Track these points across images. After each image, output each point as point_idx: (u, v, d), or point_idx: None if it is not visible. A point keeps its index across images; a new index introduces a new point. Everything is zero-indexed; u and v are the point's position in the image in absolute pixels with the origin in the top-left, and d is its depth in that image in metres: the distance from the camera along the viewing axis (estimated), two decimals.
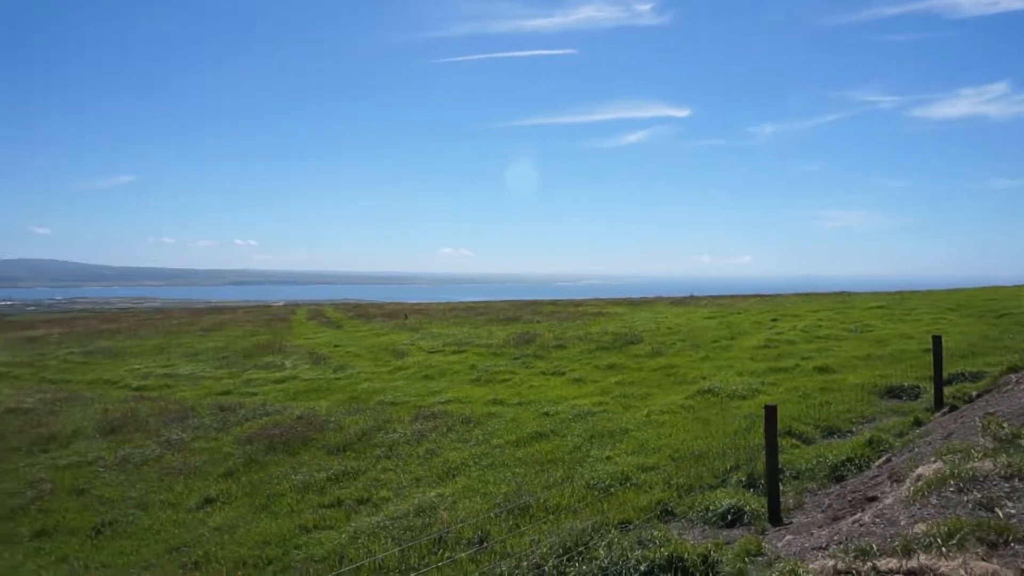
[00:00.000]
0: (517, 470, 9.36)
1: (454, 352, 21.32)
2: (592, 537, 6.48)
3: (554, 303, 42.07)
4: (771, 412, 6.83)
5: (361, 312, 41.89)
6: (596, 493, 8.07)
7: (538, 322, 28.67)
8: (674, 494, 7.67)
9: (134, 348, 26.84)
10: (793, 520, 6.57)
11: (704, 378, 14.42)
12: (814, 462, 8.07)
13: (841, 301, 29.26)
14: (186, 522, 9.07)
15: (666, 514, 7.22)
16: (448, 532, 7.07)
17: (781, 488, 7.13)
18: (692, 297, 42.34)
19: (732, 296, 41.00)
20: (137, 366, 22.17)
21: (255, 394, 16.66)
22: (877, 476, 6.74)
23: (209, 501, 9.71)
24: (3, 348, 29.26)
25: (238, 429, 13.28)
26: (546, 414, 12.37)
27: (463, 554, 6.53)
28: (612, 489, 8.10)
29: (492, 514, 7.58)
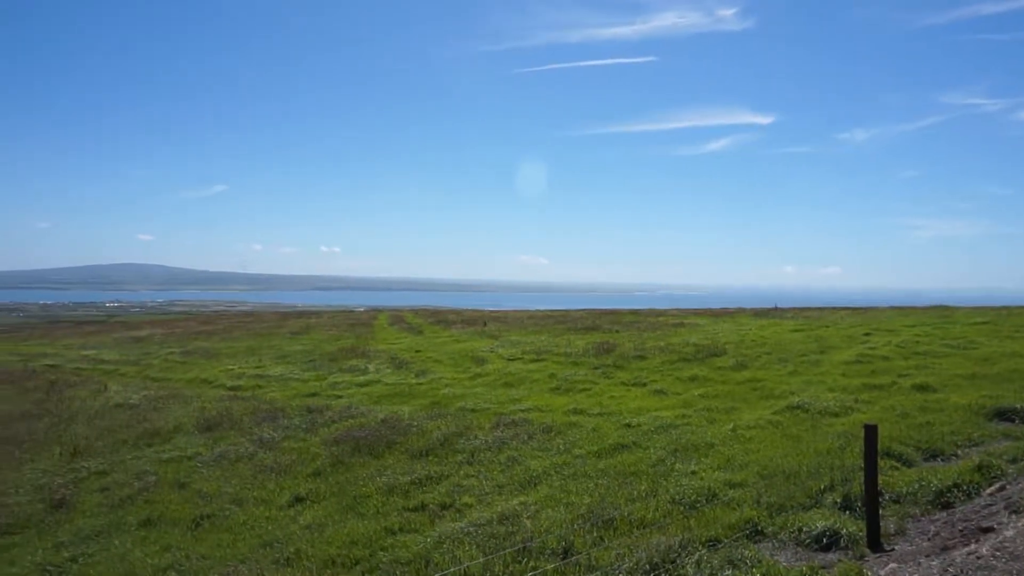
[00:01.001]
0: (599, 481, 9.27)
1: (533, 360, 21.36)
2: (680, 554, 6.35)
3: (633, 313, 41.58)
4: (871, 431, 6.53)
5: (440, 318, 42.56)
6: (682, 508, 7.90)
7: (617, 332, 28.39)
8: (764, 513, 7.43)
9: (228, 349, 28.15)
10: (895, 547, 6.24)
11: (792, 393, 13.92)
12: (916, 486, 7.65)
13: (940, 315, 27.68)
14: (278, 519, 9.40)
15: (756, 534, 6.99)
16: (532, 542, 7.07)
17: (881, 512, 6.79)
18: (776, 309, 40.98)
19: (819, 308, 39.44)
20: (231, 366, 23.22)
21: (341, 396, 17.16)
22: (991, 505, 6.32)
23: (299, 499, 10.04)
24: (112, 347, 31.27)
25: (325, 430, 13.71)
26: (628, 425, 12.22)
27: (548, 565, 6.51)
28: (698, 505, 7.92)
29: (576, 525, 7.53)
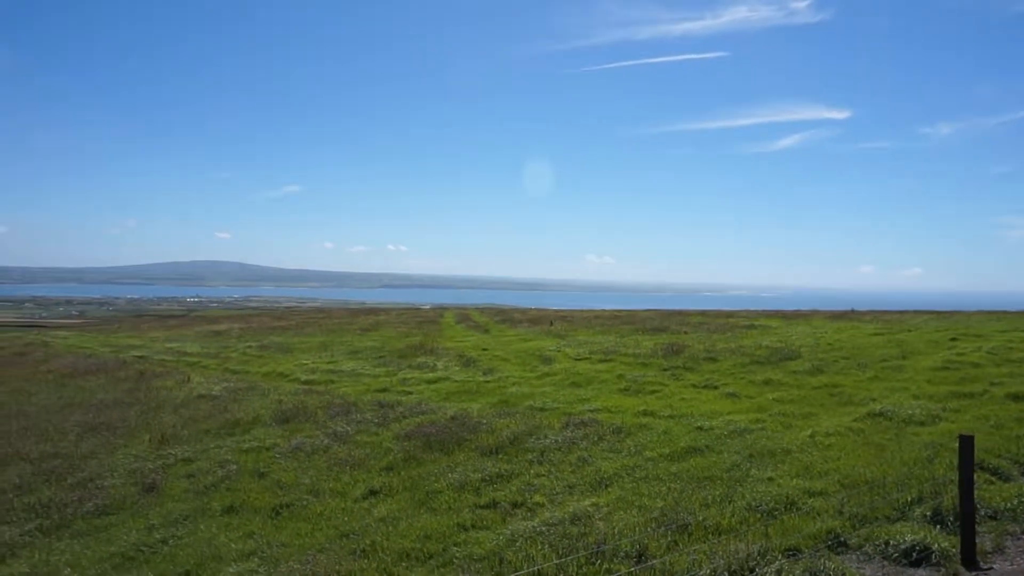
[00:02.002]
0: (672, 485, 9.15)
1: (601, 361, 21.23)
2: (758, 562, 6.20)
3: (702, 314, 40.81)
4: (967, 442, 6.22)
5: (506, 317, 42.77)
6: (759, 516, 7.71)
7: (686, 333, 27.92)
8: (847, 524, 7.18)
9: (302, 344, 29.02)
10: (993, 566, 5.93)
11: (873, 400, 13.41)
12: (1015, 502, 7.26)
13: None
14: (353, 511, 9.63)
15: (839, 545, 6.76)
16: (605, 544, 7.02)
17: (976, 528, 6.46)
18: (853, 311, 39.51)
19: (900, 312, 37.79)
20: (305, 361, 23.93)
21: (410, 393, 17.45)
22: None
23: (373, 493, 10.26)
24: (194, 340, 32.68)
25: (396, 425, 13.97)
26: (700, 428, 12.00)
27: (623, 569, 6.46)
28: (777, 513, 7.71)
29: (649, 529, 7.45)
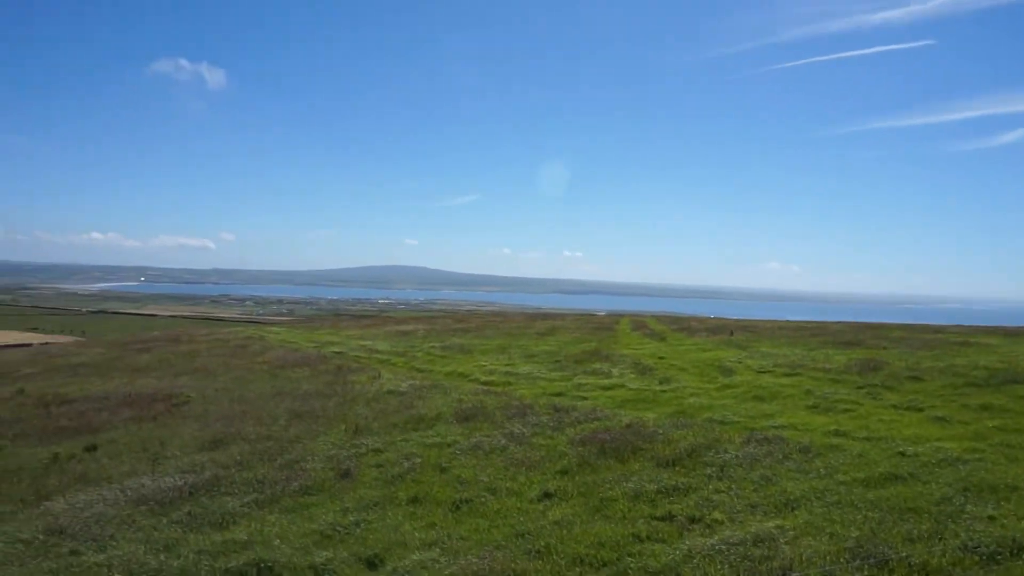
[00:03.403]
0: (869, 513, 8.37)
1: (786, 375, 19.97)
2: None
3: (904, 328, 37.02)
4: None
5: (683, 325, 41.56)
6: (976, 559, 6.84)
7: (884, 348, 25.47)
8: None
9: (481, 346, 30.14)
10: None
11: None
12: None
13: None
14: (528, 511, 9.82)
15: None
16: (792, 570, 6.58)
17: None
18: None
19: None
20: (484, 363, 24.83)
21: (585, 398, 17.49)
22: None
23: (548, 495, 10.40)
24: (384, 339, 35.12)
25: (571, 430, 14.06)
26: (901, 454, 10.90)
27: None
28: (999, 557, 6.79)
29: (842, 559, 6.88)
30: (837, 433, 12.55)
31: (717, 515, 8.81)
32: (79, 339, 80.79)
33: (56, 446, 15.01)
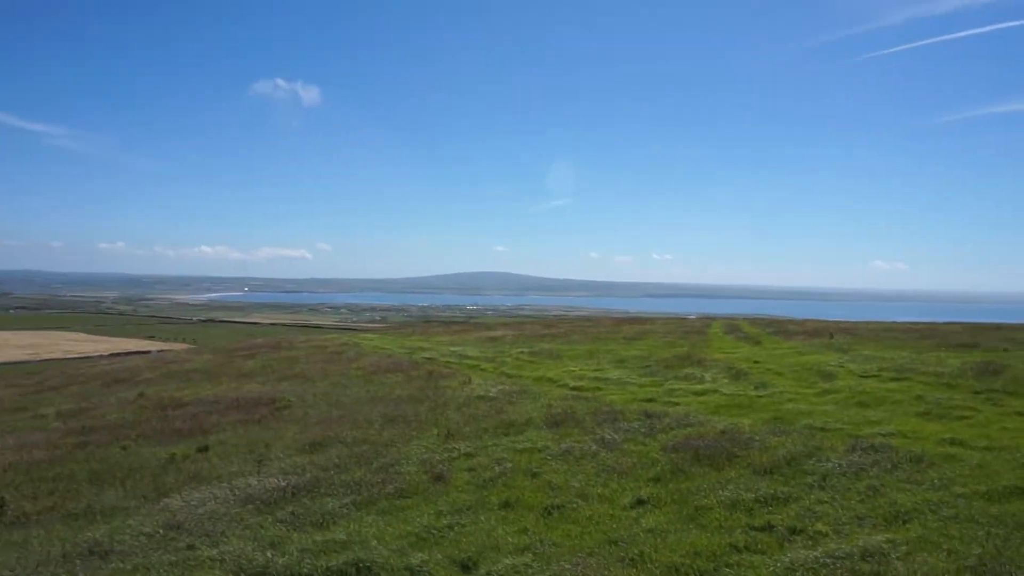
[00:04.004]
0: (992, 530, 7.78)
1: (893, 379, 18.91)
2: None
3: None
4: None
5: (779, 328, 40.07)
6: None
7: (1006, 350, 23.73)
8: None
9: (569, 352, 30.07)
10: None
11: None
12: None
13: None
14: (620, 518, 9.69)
15: None
16: None
17: None
18: None
19: None
20: (572, 368, 24.75)
21: (677, 404, 17.13)
22: None
23: (640, 502, 10.23)
24: (473, 345, 35.60)
25: (663, 436, 13.80)
26: None
27: None
28: None
29: None
30: (953, 442, 11.76)
31: (820, 526, 8.42)
32: (191, 346, 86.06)
33: (172, 447, 16.01)
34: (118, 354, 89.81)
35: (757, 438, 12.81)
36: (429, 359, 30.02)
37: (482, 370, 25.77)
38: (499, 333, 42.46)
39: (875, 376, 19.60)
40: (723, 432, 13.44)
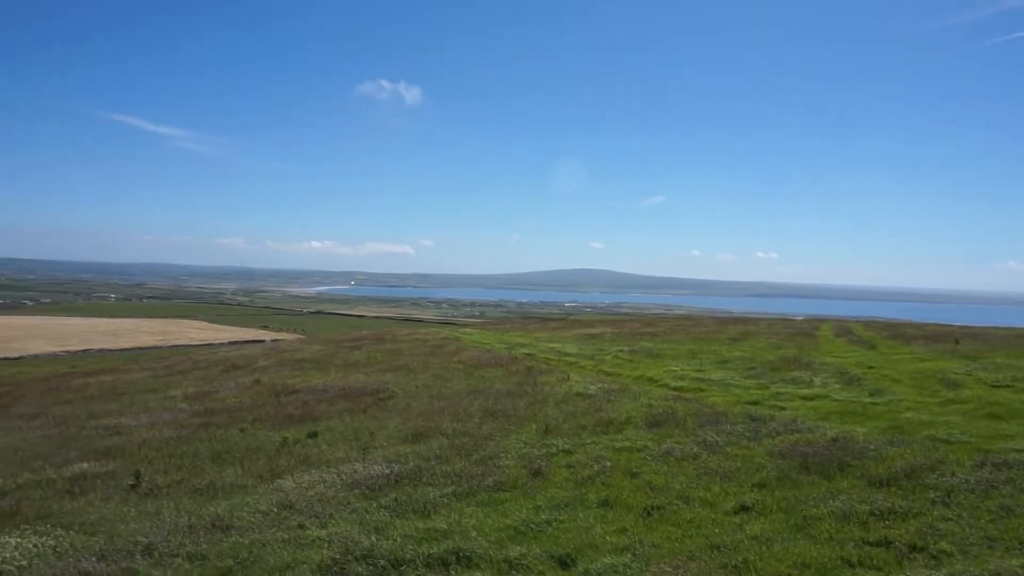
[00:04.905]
0: None
1: None
2: None
3: None
4: None
5: (897, 332, 37.72)
6: None
7: None
8: None
9: (670, 351, 29.48)
10: None
11: None
12: None
13: None
14: (723, 523, 9.42)
15: None
16: None
17: None
18: None
19: None
20: (673, 368, 24.24)
21: (784, 408, 16.46)
22: None
23: (744, 508, 9.91)
24: (572, 342, 35.54)
25: (769, 441, 13.29)
26: None
27: None
28: None
29: None
30: None
31: (944, 545, 7.87)
32: (301, 336, 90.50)
33: (285, 431, 16.90)
34: (236, 342, 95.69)
35: (872, 448, 12.12)
36: (528, 355, 30.21)
37: (581, 367, 25.68)
38: (598, 331, 42.17)
39: (1008, 386, 18.10)
40: (834, 440, 12.80)
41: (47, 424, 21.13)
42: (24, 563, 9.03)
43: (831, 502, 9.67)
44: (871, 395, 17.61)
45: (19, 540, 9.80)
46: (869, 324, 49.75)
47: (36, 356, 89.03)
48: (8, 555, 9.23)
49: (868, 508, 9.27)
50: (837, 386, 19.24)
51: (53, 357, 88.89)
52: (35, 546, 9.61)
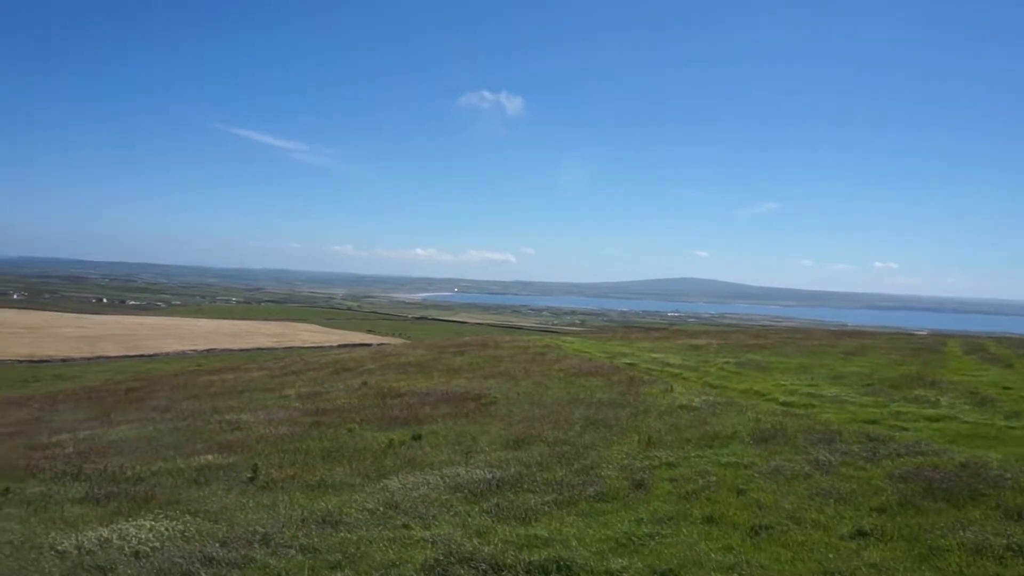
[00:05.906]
0: None
1: None
2: None
3: None
4: None
5: None
6: None
7: None
8: None
9: (779, 364, 28.31)
10: None
11: None
12: None
13: None
14: (838, 548, 8.93)
15: None
16: None
17: None
18: None
19: None
20: (783, 382, 23.25)
21: (905, 429, 15.43)
22: None
23: (862, 533, 9.35)
24: (675, 352, 34.78)
25: (888, 463, 12.50)
26: None
27: None
28: None
29: None
30: None
31: None
32: (406, 341, 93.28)
33: (391, 433, 17.45)
34: (345, 345, 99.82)
35: (1009, 475, 11.15)
36: (630, 364, 29.82)
37: (684, 379, 25.08)
38: (702, 341, 41.08)
39: None
40: (964, 465, 11.88)
41: (176, 417, 22.80)
42: (157, 545, 9.77)
43: (961, 533, 8.97)
44: (1007, 418, 16.23)
45: (153, 523, 10.62)
46: (1004, 340, 45.94)
47: (167, 354, 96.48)
48: (144, 536, 10.01)
49: (1004, 542, 8.53)
50: (967, 407, 17.85)
51: (182, 355, 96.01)
52: (166, 530, 10.37)
